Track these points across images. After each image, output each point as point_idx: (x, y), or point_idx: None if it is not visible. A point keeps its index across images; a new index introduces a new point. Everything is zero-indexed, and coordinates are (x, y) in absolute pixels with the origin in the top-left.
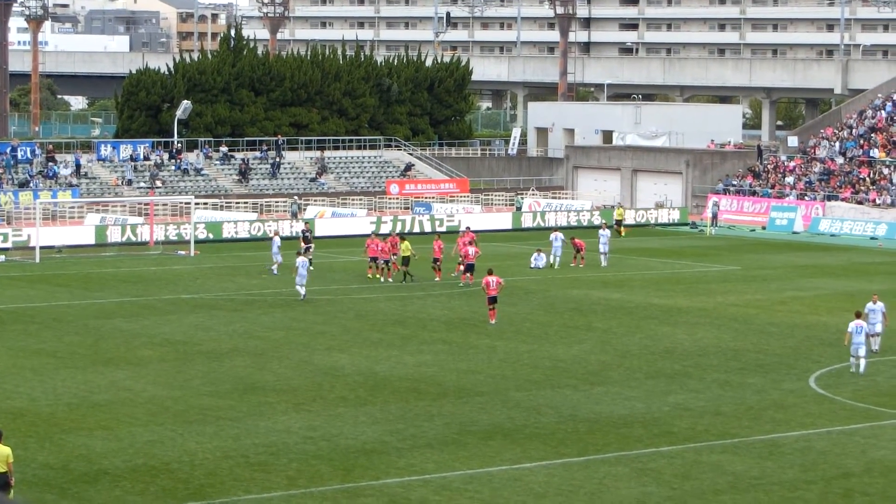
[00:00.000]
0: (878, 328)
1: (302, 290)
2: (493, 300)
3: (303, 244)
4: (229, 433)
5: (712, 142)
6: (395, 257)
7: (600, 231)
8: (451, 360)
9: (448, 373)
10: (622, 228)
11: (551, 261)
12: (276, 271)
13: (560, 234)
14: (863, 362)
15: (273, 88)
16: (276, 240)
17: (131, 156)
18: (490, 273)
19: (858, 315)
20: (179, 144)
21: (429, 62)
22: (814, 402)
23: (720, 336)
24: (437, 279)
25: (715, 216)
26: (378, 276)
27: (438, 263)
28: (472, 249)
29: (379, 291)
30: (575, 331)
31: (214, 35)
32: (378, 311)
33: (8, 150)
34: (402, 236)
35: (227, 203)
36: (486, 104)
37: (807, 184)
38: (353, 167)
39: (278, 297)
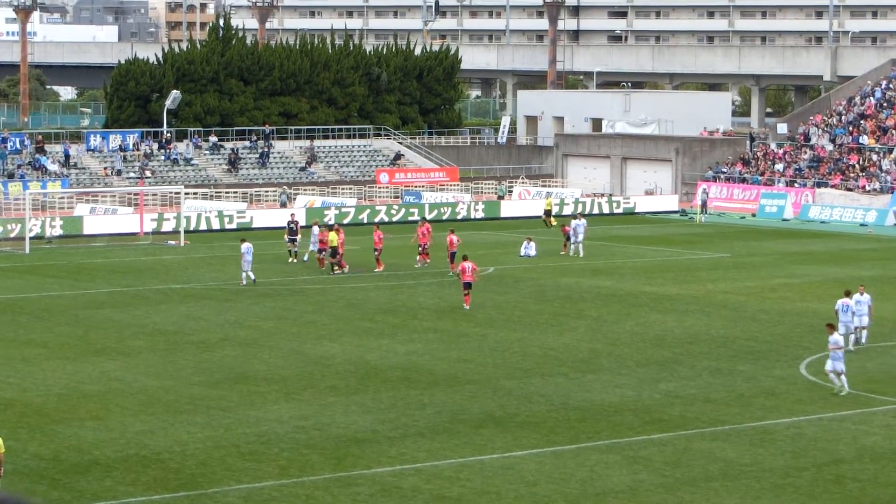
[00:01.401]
0: (865, 321)
1: (250, 276)
2: (467, 286)
3: (287, 235)
4: (220, 423)
5: (705, 129)
6: (324, 252)
7: (575, 221)
8: (441, 348)
9: (439, 361)
10: (551, 219)
11: (580, 250)
12: (307, 258)
13: (583, 222)
14: (851, 338)
15: (262, 78)
16: (315, 229)
17: (120, 146)
18: (465, 259)
19: (848, 294)
20: (169, 134)
21: (418, 51)
22: (804, 389)
23: (710, 323)
24: (377, 270)
25: (704, 203)
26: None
27: (378, 254)
28: (455, 238)
29: (369, 281)
30: (565, 319)
31: (203, 25)
32: (368, 300)
33: None
34: (330, 227)
35: (216, 192)
36: (475, 93)
37: (796, 171)
38: (343, 156)
39: (269, 287)
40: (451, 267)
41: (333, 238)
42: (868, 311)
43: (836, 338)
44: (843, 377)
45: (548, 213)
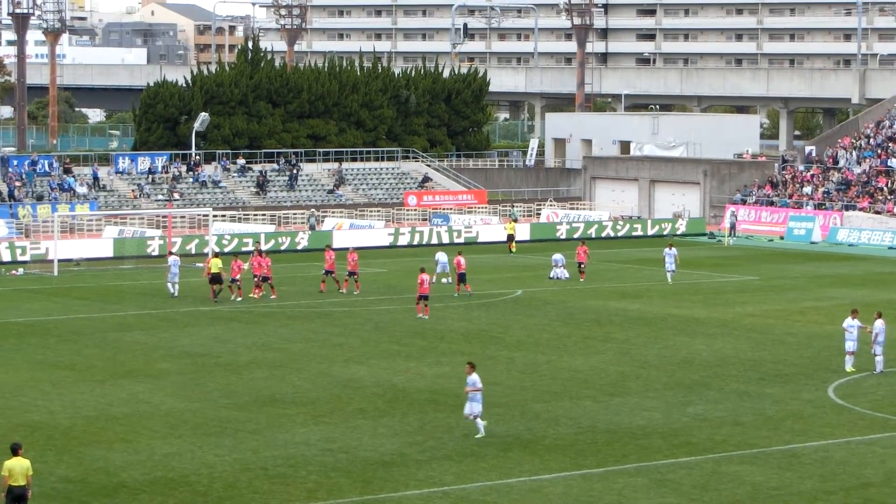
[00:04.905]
0: (878, 350)
1: (171, 288)
2: (425, 298)
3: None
4: (248, 445)
5: (747, 152)
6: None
7: (666, 250)
8: None
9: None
10: (512, 244)
11: (668, 278)
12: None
13: (673, 250)
14: (853, 358)
15: (291, 100)
16: (440, 255)
17: (149, 168)
18: (423, 271)
19: (854, 313)
20: (197, 157)
21: (446, 73)
22: (833, 413)
23: (738, 346)
24: (253, 295)
25: (733, 226)
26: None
27: (257, 280)
28: (462, 259)
29: (397, 303)
30: (593, 342)
31: (232, 47)
32: (396, 322)
33: (27, 164)
34: (217, 254)
35: (244, 215)
36: (503, 115)
37: (825, 194)
38: (371, 179)
39: (297, 310)
40: (456, 289)
41: (216, 264)
42: (874, 338)
43: (474, 378)
44: (478, 420)
45: (510, 237)
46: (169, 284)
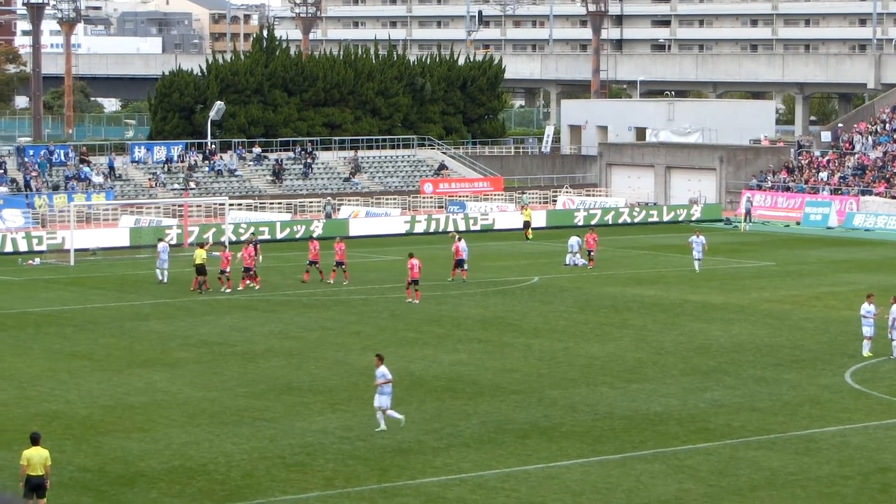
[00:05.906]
0: (895, 335)
1: (160, 274)
2: (415, 282)
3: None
4: (265, 434)
5: (765, 138)
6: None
7: (693, 237)
8: (486, 358)
9: (484, 371)
10: (529, 231)
11: (696, 266)
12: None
13: (700, 238)
14: (870, 343)
15: (306, 89)
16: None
17: (165, 157)
18: (411, 257)
19: (870, 297)
20: (213, 145)
21: (461, 61)
22: (850, 398)
23: (755, 332)
24: (252, 286)
25: (748, 212)
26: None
27: (227, 274)
28: (461, 245)
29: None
30: (610, 328)
31: (247, 36)
32: (413, 310)
33: (43, 153)
34: (202, 244)
35: (260, 203)
36: (518, 102)
37: (841, 179)
38: (387, 166)
39: (313, 298)
40: (451, 274)
41: (199, 254)
42: (891, 323)
43: (383, 370)
44: (384, 414)
45: (527, 224)
46: (158, 271)
